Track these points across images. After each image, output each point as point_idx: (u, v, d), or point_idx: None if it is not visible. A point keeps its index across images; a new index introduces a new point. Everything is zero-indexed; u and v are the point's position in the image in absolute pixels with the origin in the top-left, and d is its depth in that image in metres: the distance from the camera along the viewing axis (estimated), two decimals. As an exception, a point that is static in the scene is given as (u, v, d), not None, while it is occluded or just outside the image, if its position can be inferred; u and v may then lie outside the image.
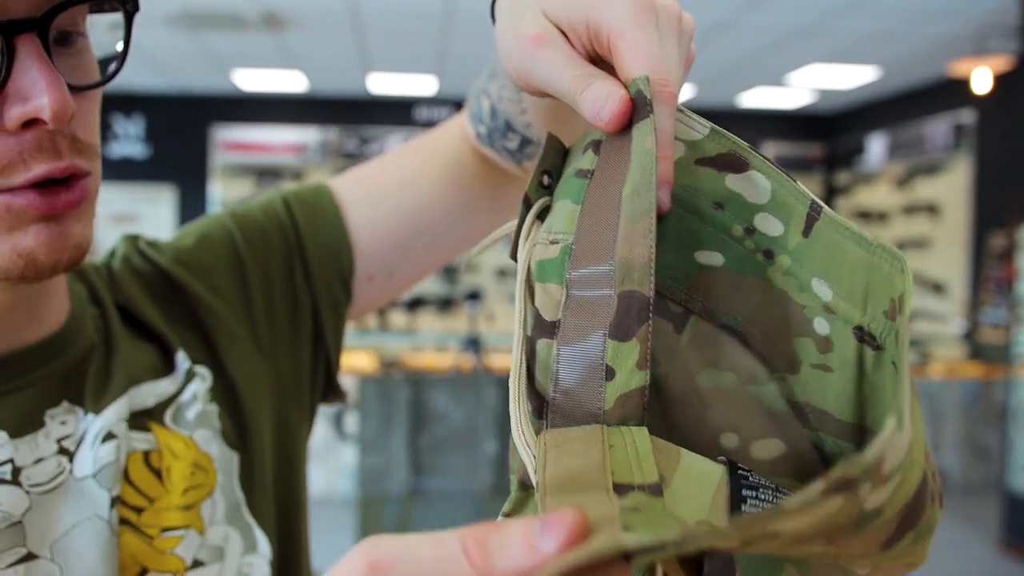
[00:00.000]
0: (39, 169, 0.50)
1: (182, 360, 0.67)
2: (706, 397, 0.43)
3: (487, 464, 4.10)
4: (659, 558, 0.27)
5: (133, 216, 8.13)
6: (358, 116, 8.54)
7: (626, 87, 0.41)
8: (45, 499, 0.55)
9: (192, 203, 8.48)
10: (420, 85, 7.86)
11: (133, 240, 0.73)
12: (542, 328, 0.40)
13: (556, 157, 0.46)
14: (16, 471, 0.55)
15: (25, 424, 0.57)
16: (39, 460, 0.56)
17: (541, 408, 0.39)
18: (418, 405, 4.16)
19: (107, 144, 8.21)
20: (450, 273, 8.29)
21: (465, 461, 4.10)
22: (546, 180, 0.45)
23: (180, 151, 8.34)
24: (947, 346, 6.80)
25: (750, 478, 0.38)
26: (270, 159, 8.47)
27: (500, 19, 0.50)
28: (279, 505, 0.69)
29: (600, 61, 0.45)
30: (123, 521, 0.58)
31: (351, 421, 4.96)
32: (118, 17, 0.56)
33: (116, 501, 0.57)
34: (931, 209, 7.27)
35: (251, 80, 7.74)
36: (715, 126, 0.42)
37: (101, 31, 0.56)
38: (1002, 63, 5.40)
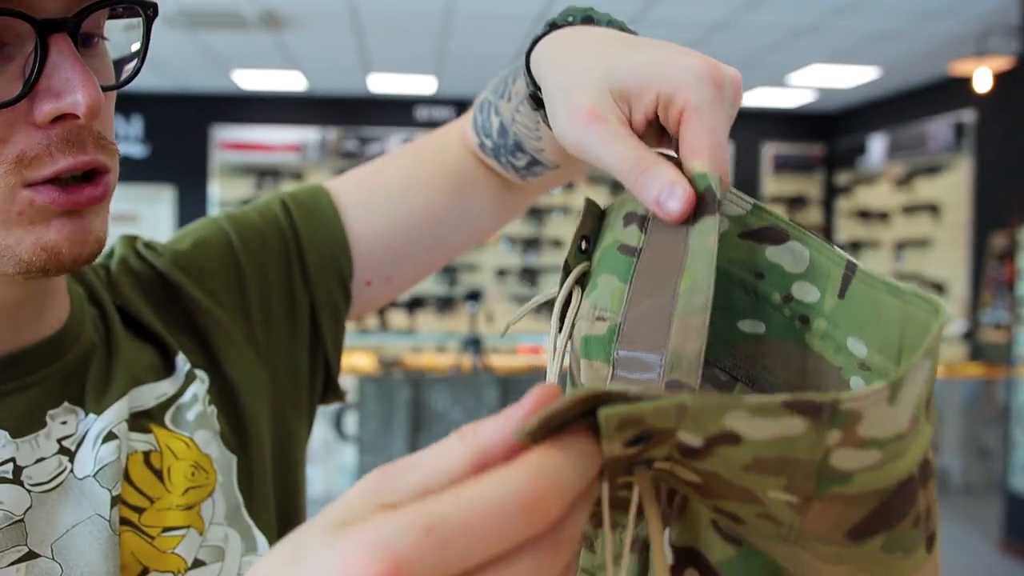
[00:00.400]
0: (64, 162, 0.52)
1: (182, 362, 0.67)
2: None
3: (487, 464, 4.10)
4: (621, 423, 0.29)
5: (133, 216, 8.12)
6: (358, 116, 8.54)
7: (679, 165, 0.42)
8: (46, 498, 0.56)
9: (191, 203, 8.48)
10: (420, 85, 7.87)
11: (131, 241, 0.73)
12: None
13: (594, 222, 0.47)
14: (17, 470, 0.55)
15: (26, 424, 0.57)
16: (40, 460, 0.57)
17: None
18: (418, 405, 4.15)
19: (107, 144, 8.18)
20: (450, 273, 8.30)
21: (465, 461, 4.10)
22: (584, 245, 0.46)
23: (179, 151, 8.34)
24: (948, 346, 6.80)
25: None
26: (270, 159, 8.47)
27: (550, 78, 0.50)
28: (279, 506, 0.70)
29: (649, 123, 0.46)
30: (124, 521, 0.58)
31: (351, 421, 4.96)
32: (133, 20, 0.57)
33: (117, 501, 0.58)
34: (932, 209, 7.27)
35: (251, 80, 7.74)
36: (757, 202, 0.44)
37: (115, 33, 0.57)
38: (1002, 63, 5.40)
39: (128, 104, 8.30)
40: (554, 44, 0.54)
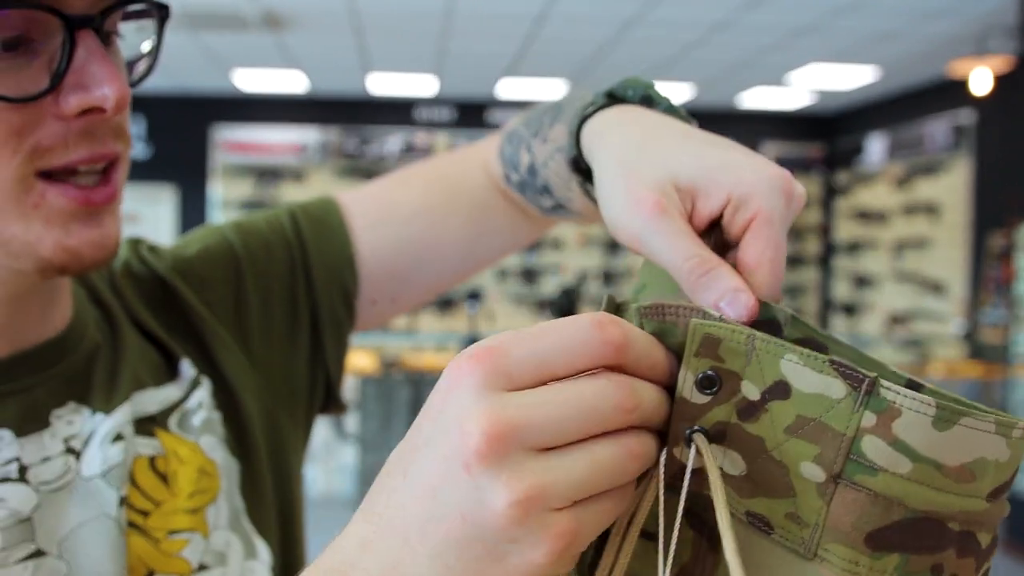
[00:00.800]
0: (77, 154, 0.53)
1: (187, 368, 0.68)
2: None
3: (487, 464, 4.09)
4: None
5: (134, 216, 8.12)
6: (358, 116, 8.54)
7: (735, 267, 0.42)
8: (53, 497, 0.56)
9: (192, 203, 8.48)
10: (420, 85, 7.86)
11: (135, 244, 0.73)
12: None
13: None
14: (23, 469, 0.56)
15: (30, 423, 0.57)
16: (46, 459, 0.57)
17: None
18: (418, 405, 4.15)
19: (107, 144, 8.17)
20: (450, 273, 8.28)
21: (465, 461, 4.09)
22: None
23: (180, 151, 8.33)
24: (947, 346, 6.80)
25: None
26: (270, 159, 8.47)
27: (606, 158, 0.50)
28: (277, 515, 0.70)
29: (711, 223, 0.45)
30: (129, 524, 0.58)
31: (351, 421, 4.96)
32: (144, 21, 0.59)
33: (124, 502, 0.58)
34: (931, 209, 7.27)
35: (251, 80, 7.74)
36: (795, 314, 0.42)
37: (125, 34, 0.59)
38: (1002, 63, 5.40)
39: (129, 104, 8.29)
40: (613, 123, 0.53)
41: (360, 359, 5.53)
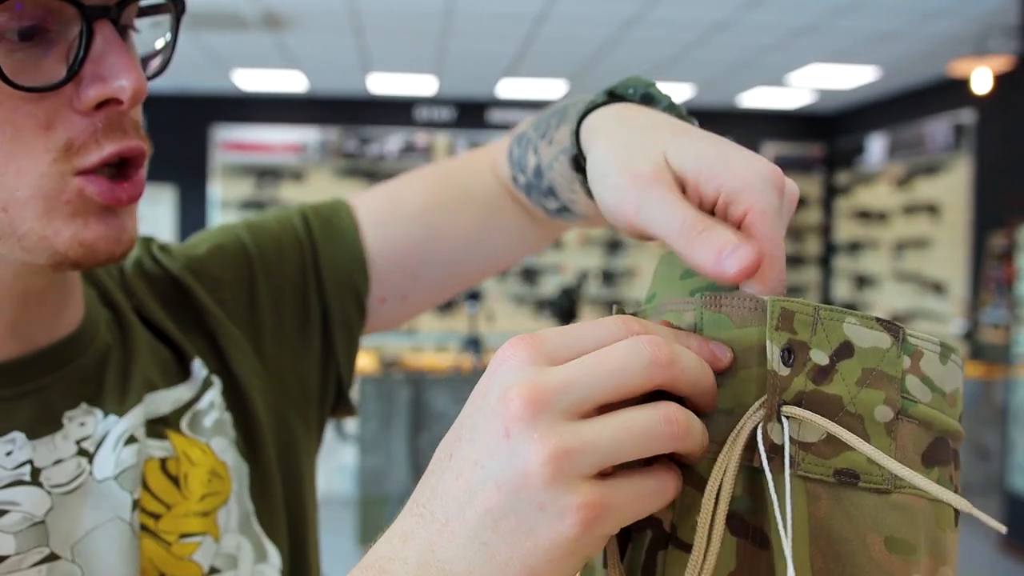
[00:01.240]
0: (110, 148, 0.52)
1: (199, 367, 0.67)
2: None
3: (487, 464, 4.09)
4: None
5: (133, 216, 8.12)
6: (358, 116, 8.54)
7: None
8: (66, 500, 0.56)
9: (192, 203, 8.48)
10: (420, 85, 7.87)
11: (146, 243, 0.73)
12: None
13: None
14: (36, 472, 0.55)
15: (42, 425, 0.57)
16: (58, 461, 0.56)
17: None
18: (418, 405, 4.15)
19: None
20: (450, 273, 8.28)
21: (465, 461, 4.09)
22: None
23: (180, 151, 8.33)
24: (947, 346, 6.79)
25: None
26: (270, 159, 8.47)
27: (603, 147, 0.50)
28: (288, 518, 0.69)
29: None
30: (141, 527, 0.58)
31: (350, 421, 4.96)
32: (158, 17, 0.58)
33: (136, 505, 0.58)
34: (931, 209, 7.27)
35: (251, 80, 7.74)
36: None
37: (141, 29, 0.58)
38: (1002, 63, 5.40)
39: (128, 104, 8.29)
40: (611, 118, 0.53)
41: (360, 359, 5.51)
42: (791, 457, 0.39)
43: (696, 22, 5.60)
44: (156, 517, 0.59)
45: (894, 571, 0.39)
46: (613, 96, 0.57)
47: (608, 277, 8.64)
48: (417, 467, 4.20)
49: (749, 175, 0.43)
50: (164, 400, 0.64)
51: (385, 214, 0.78)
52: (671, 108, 0.55)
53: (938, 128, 7.16)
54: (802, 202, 9.09)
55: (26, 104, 0.50)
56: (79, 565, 0.54)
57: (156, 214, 8.33)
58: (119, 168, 0.54)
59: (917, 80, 7.31)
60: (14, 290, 0.56)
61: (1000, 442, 5.35)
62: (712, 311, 0.41)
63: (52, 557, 0.53)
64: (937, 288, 7.14)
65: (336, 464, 5.39)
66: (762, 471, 0.39)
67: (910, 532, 0.40)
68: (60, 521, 0.55)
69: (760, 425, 0.39)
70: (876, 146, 8.13)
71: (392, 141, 8.52)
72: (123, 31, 0.55)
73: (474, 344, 5.17)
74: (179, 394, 0.65)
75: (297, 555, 0.69)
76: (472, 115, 8.65)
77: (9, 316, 0.57)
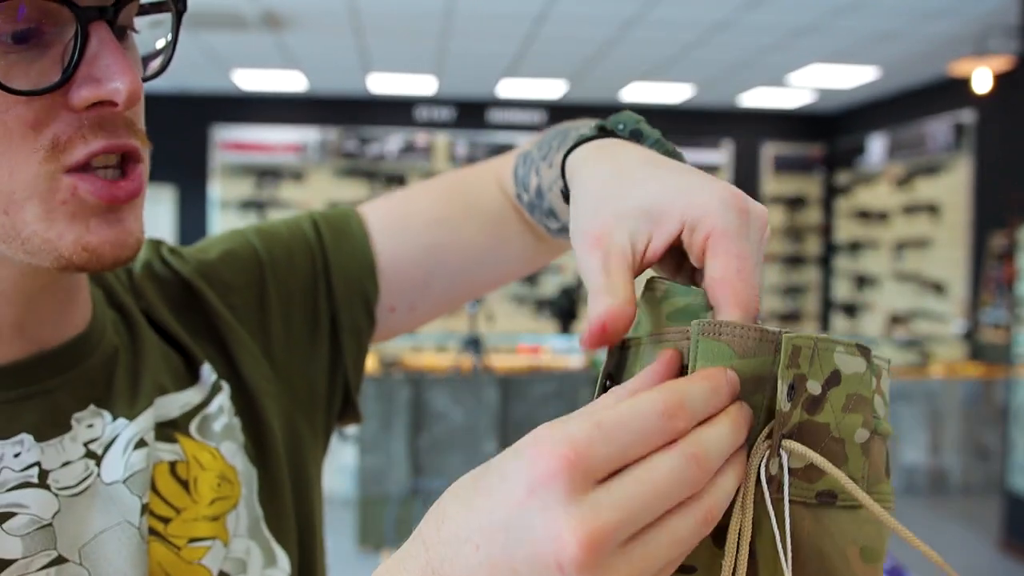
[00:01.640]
0: (96, 144, 0.52)
1: (208, 372, 0.67)
2: None
3: (487, 464, 4.09)
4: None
5: (133, 216, 8.12)
6: (358, 116, 8.54)
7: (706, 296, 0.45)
8: (74, 502, 0.55)
9: (192, 203, 8.48)
10: (420, 85, 7.87)
11: (156, 246, 0.72)
12: None
13: (619, 355, 0.47)
14: (43, 474, 0.55)
15: (51, 427, 0.57)
16: (66, 463, 0.56)
17: None
18: (418, 405, 4.15)
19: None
20: (450, 273, 8.28)
21: (465, 461, 4.10)
22: (608, 384, 0.47)
23: (180, 151, 8.33)
24: (947, 346, 6.80)
25: None
26: (270, 159, 8.47)
27: (579, 192, 0.52)
28: (296, 523, 0.69)
29: (672, 248, 0.47)
30: (150, 531, 0.58)
31: (351, 421, 4.95)
32: (158, 17, 0.58)
33: (145, 509, 0.57)
34: (931, 209, 7.27)
35: (251, 80, 7.74)
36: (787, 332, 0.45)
37: (141, 29, 0.58)
38: (1002, 63, 5.40)
39: (128, 104, 8.29)
40: (590, 159, 0.54)
41: (360, 359, 5.52)
42: (780, 484, 0.41)
43: (696, 22, 5.60)
44: (165, 521, 0.59)
45: None
46: (603, 131, 0.58)
47: (608, 277, 8.63)
48: (417, 467, 4.20)
49: (707, 201, 0.44)
50: (173, 404, 0.64)
51: (395, 224, 0.78)
52: (657, 144, 0.56)
53: (938, 128, 7.16)
54: (802, 202, 9.09)
55: (18, 105, 0.50)
56: (87, 568, 0.54)
57: (156, 214, 8.34)
58: (116, 168, 0.54)
59: (917, 80, 7.31)
60: (20, 290, 0.56)
61: (1000, 442, 5.35)
62: (710, 339, 0.41)
63: (60, 560, 0.53)
64: (937, 288, 7.14)
65: (336, 464, 5.39)
66: (760, 497, 0.41)
67: (878, 540, 0.43)
68: (68, 524, 0.54)
69: (764, 458, 0.41)
70: (876, 146, 8.13)
71: (392, 141, 8.52)
72: (122, 31, 0.55)
73: (474, 344, 5.16)
74: (188, 398, 0.65)
75: (305, 560, 0.69)
76: (472, 115, 8.65)
77: (15, 317, 0.56)
